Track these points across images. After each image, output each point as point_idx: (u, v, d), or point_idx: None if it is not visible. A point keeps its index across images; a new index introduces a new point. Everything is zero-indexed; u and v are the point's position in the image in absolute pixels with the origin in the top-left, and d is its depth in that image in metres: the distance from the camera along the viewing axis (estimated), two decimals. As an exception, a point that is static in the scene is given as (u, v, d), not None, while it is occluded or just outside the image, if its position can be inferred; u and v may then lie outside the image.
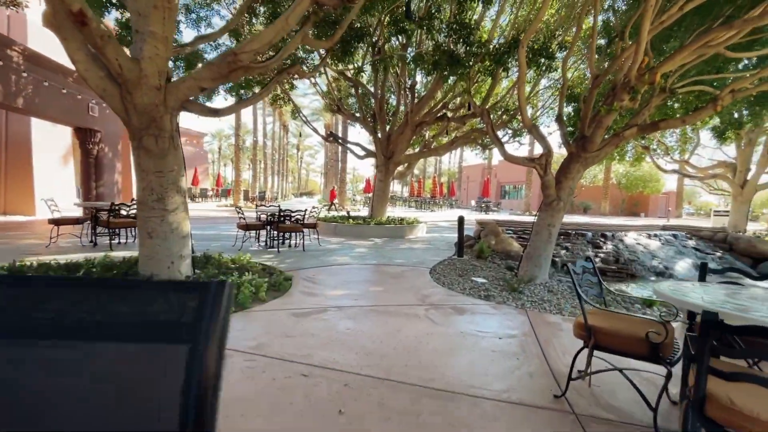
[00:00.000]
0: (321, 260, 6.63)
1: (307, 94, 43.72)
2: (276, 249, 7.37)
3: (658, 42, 4.92)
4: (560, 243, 10.14)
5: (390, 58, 7.77)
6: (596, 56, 5.07)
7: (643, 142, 14.72)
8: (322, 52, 9.06)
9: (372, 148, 12.08)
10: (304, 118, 12.03)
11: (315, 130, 12.03)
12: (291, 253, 7.20)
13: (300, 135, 14.37)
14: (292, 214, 7.52)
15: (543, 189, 5.58)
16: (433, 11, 6.25)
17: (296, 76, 11.17)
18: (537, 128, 5.52)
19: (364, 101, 11.15)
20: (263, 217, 8.08)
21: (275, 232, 7.43)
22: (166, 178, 4.38)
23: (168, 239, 4.49)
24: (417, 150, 12.34)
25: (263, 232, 8.05)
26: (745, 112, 10.08)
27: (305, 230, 8.15)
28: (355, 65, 8.93)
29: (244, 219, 7.43)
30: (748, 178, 14.91)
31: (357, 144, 11.84)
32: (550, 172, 5.43)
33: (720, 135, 11.21)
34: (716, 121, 11.10)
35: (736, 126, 10.79)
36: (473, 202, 28.95)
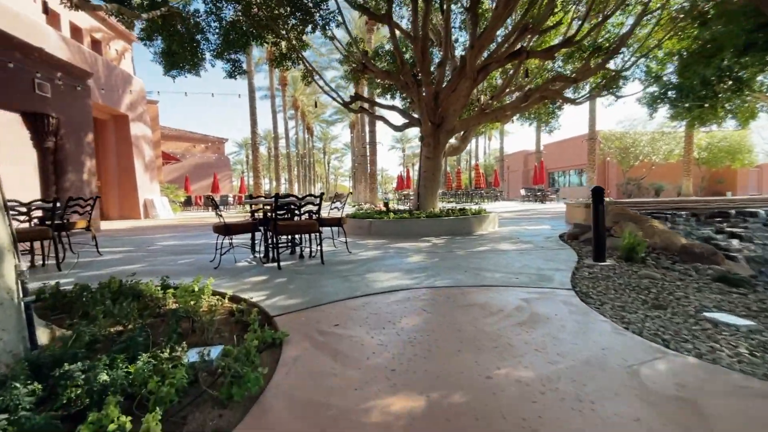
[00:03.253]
0: (351, 282, 3.53)
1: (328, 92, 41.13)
2: (276, 263, 4.34)
3: None
4: (710, 224, 6.53)
5: None
6: None
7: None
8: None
9: (413, 116, 8.91)
10: (319, 82, 9.04)
11: (336, 98, 8.99)
12: (300, 270, 4.15)
13: (315, 105, 11.55)
14: (300, 204, 4.49)
15: None
16: None
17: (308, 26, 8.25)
18: None
19: (399, 50, 7.98)
20: (257, 213, 5.13)
21: (275, 236, 4.40)
22: None
23: None
24: (473, 115, 9.03)
25: (259, 238, 5.06)
26: None
27: (324, 230, 5.10)
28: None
29: (222, 218, 4.47)
30: None
31: (393, 108, 8.68)
32: None
33: None
34: None
35: None
36: (522, 191, 25.09)
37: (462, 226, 7.03)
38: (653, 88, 10.75)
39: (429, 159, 8.17)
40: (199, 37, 8.27)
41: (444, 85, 8.18)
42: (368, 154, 21.90)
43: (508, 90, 9.60)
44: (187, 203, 26.12)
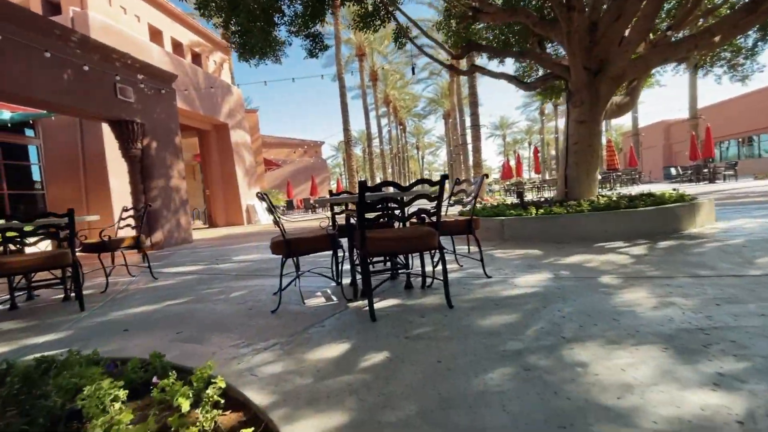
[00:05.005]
0: (547, 388, 1.39)
1: (420, 79, 39.82)
2: (367, 301, 2.42)
3: None
4: None
5: None
6: None
7: None
8: None
9: (556, 62, 6.29)
10: (415, 38, 7.01)
11: (435, 56, 6.84)
12: (413, 326, 2.15)
13: (413, 71, 9.84)
14: (404, 200, 2.52)
15: None
16: None
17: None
18: None
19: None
20: (337, 215, 3.36)
21: (364, 258, 2.49)
22: None
23: None
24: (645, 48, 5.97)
25: (344, 254, 3.24)
26: None
27: (440, 240, 3.02)
28: None
29: (283, 231, 2.73)
30: None
31: (523, 54, 6.05)
32: None
33: None
34: None
35: None
36: (672, 170, 19.57)
37: (661, 222, 4.30)
38: None
39: (583, 124, 5.52)
40: (272, 12, 6.99)
41: (602, 14, 5.45)
42: (470, 141, 19.26)
43: (691, 17, 6.31)
44: (290, 207, 26.86)
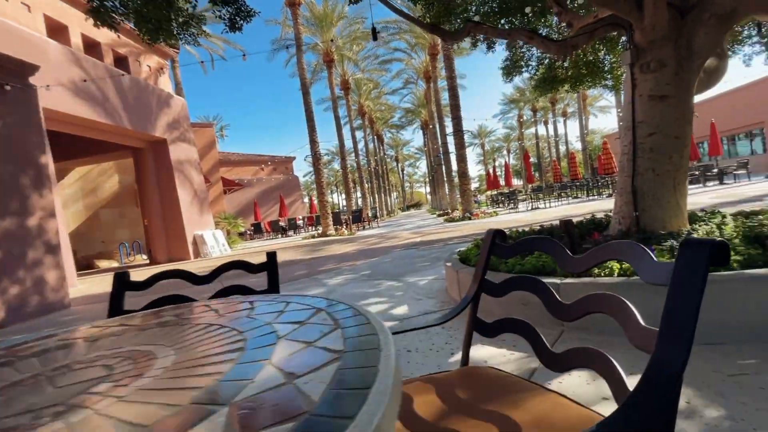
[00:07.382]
0: None
1: (395, 89, 38.04)
2: None
3: None
4: None
5: None
6: None
7: None
8: None
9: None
10: None
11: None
12: None
13: (375, 36, 7.69)
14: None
15: None
16: None
17: None
18: None
19: None
20: None
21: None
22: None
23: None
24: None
25: None
26: None
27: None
28: None
29: None
30: None
31: None
32: None
33: None
34: None
35: None
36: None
37: None
38: None
39: (665, 100, 3.24)
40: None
41: None
42: (452, 149, 17.14)
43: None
44: (258, 231, 24.04)
